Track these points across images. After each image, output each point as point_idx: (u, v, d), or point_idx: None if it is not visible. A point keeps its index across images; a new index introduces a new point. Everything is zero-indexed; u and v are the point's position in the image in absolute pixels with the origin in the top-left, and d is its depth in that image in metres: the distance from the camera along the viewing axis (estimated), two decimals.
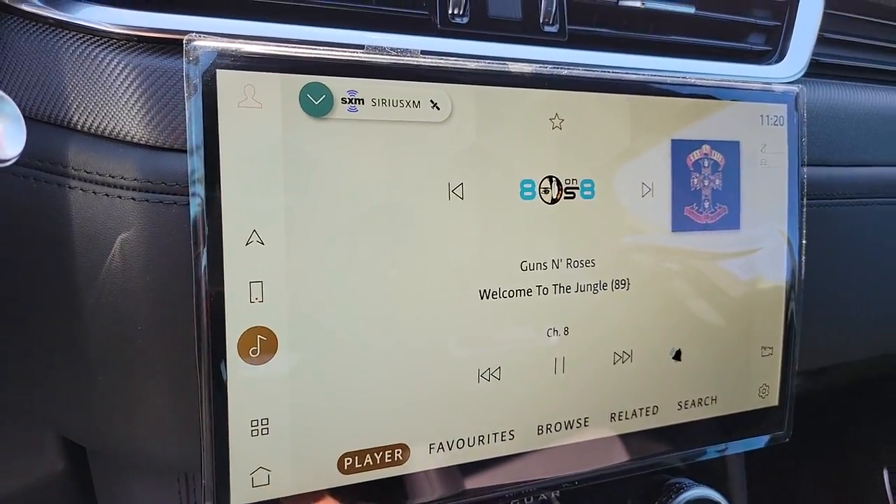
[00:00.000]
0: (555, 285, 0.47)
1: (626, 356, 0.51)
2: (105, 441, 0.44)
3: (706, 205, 0.53)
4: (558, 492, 0.57)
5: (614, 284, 0.49)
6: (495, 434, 0.48)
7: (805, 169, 0.57)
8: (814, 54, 0.64)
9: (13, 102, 0.33)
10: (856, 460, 1.49)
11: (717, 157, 0.53)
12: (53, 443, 0.51)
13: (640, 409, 0.53)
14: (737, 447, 0.58)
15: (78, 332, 0.41)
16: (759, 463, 0.71)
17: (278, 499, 0.42)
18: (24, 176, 0.41)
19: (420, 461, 0.46)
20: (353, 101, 0.41)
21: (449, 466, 0.47)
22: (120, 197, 0.40)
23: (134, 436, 0.43)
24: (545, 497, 0.57)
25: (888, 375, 1.35)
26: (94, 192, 0.40)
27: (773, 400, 0.58)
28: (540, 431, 0.49)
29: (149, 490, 0.47)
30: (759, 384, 0.58)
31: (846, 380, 1.13)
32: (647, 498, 0.61)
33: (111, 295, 0.40)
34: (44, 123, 0.41)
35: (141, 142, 0.40)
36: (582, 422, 0.50)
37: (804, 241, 0.57)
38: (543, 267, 0.47)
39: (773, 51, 0.62)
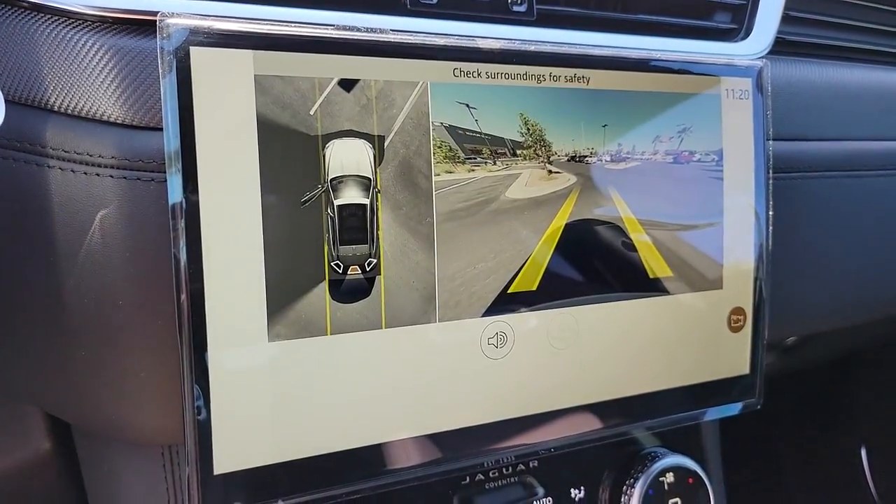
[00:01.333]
0: None
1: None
2: (89, 416, 0.45)
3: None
4: (535, 461, 0.59)
5: None
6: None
7: (771, 143, 0.59)
8: (779, 32, 0.65)
9: None
10: (833, 435, 1.52)
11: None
12: (38, 420, 0.51)
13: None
14: (710, 414, 0.60)
15: (60, 309, 0.42)
16: (736, 437, 0.73)
17: (260, 467, 0.43)
18: (2, 157, 0.41)
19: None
20: None
21: (425, 435, 0.48)
22: (98, 175, 0.41)
23: (117, 410, 0.44)
24: (522, 466, 0.58)
25: (863, 350, 1.38)
26: (73, 171, 0.41)
27: (745, 368, 0.60)
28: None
29: (134, 463, 0.48)
30: (731, 353, 0.59)
31: (821, 355, 1.15)
32: (624, 468, 0.63)
33: (92, 271, 0.41)
34: (21, 105, 0.42)
35: (117, 121, 0.41)
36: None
37: (771, 213, 0.59)
38: None
39: (738, 28, 0.64)
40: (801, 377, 1.56)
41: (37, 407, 0.51)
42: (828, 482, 1.60)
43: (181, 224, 0.39)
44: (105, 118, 0.41)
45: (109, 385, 0.43)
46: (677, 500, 0.61)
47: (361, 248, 0.44)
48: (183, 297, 0.40)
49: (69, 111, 0.41)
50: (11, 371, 0.46)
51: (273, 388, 0.43)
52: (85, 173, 0.41)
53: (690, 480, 0.62)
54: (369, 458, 0.46)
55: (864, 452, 1.51)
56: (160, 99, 0.40)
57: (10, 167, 0.41)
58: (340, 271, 0.44)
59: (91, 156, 0.41)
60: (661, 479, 0.61)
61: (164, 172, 0.39)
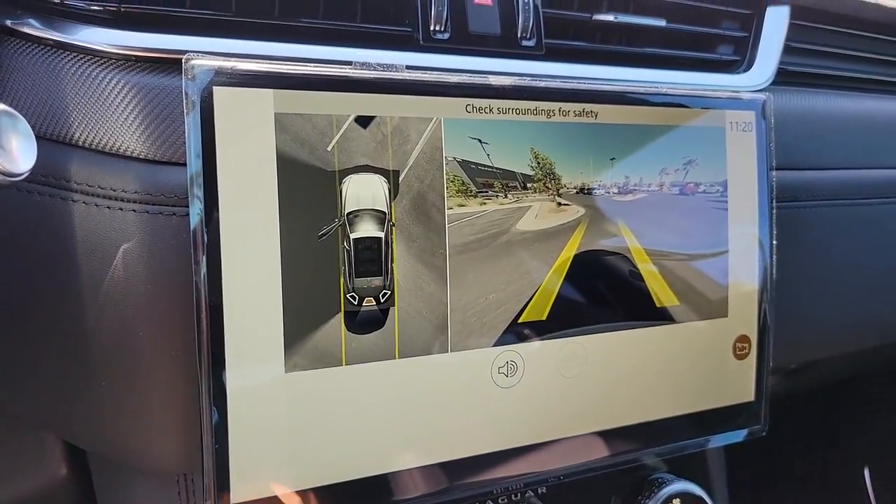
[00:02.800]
0: None
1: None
2: (107, 444, 0.46)
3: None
4: (544, 488, 0.60)
5: None
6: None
7: (774, 173, 0.60)
8: (780, 63, 0.67)
9: (25, 120, 0.35)
10: (837, 458, 1.52)
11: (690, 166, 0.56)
12: (55, 446, 0.52)
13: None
14: (716, 441, 0.60)
15: (81, 339, 0.43)
16: (741, 461, 0.73)
17: (276, 497, 0.44)
18: (28, 191, 0.42)
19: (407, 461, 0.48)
20: None
21: (436, 464, 0.49)
22: (121, 209, 0.42)
23: (135, 438, 0.45)
24: (531, 493, 0.59)
25: (866, 374, 1.38)
26: (97, 205, 0.42)
27: (749, 395, 0.61)
28: None
29: (149, 491, 0.49)
30: (736, 380, 0.60)
31: (825, 378, 1.16)
32: (632, 494, 0.63)
33: (113, 302, 0.42)
34: (47, 140, 0.43)
35: (140, 156, 0.42)
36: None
37: (775, 242, 0.60)
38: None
39: (741, 60, 0.65)
40: (804, 398, 1.57)
41: (54, 433, 0.52)
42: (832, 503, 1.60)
43: (202, 257, 0.40)
44: (129, 153, 0.42)
45: (128, 413, 0.44)
46: None
47: (376, 280, 0.45)
48: (203, 325, 0.41)
49: (94, 146, 0.43)
50: (31, 398, 0.47)
51: (289, 418, 0.44)
52: (108, 207, 0.42)
53: None
54: (383, 487, 0.47)
55: (867, 473, 1.52)
56: (183, 135, 0.41)
57: (34, 201, 0.42)
58: (356, 303, 0.45)
59: (115, 190, 0.42)
60: None
61: (186, 206, 0.40)
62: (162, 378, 0.43)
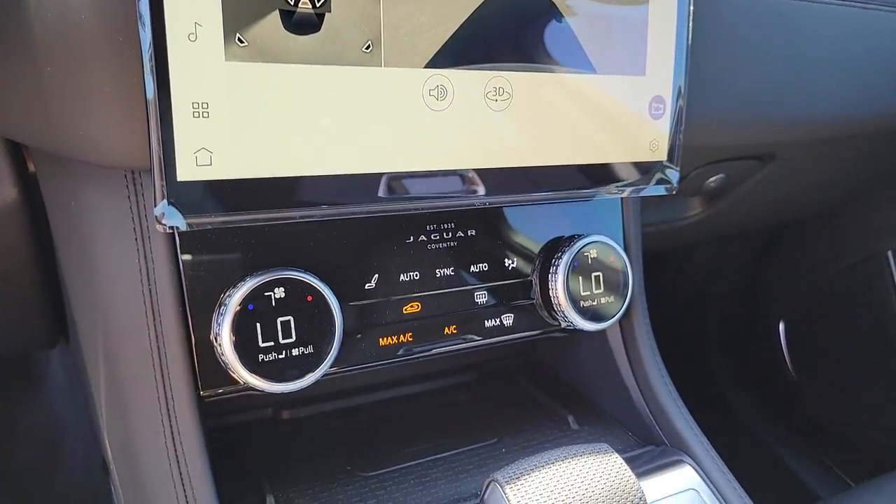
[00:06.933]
0: None
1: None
2: (51, 134, 0.48)
3: None
4: (474, 230, 0.65)
5: None
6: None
7: None
8: None
9: None
10: (755, 311, 1.62)
11: None
12: (3, 170, 0.54)
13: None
14: (632, 192, 0.66)
15: (24, 27, 0.45)
16: (666, 312, 0.78)
17: (219, 180, 0.48)
18: None
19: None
20: None
21: (369, 174, 0.53)
22: None
23: (83, 126, 0.47)
24: (461, 233, 0.64)
25: (785, 229, 1.47)
26: None
27: (663, 155, 0.66)
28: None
29: (99, 196, 0.52)
30: (650, 139, 0.65)
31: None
32: (550, 252, 0.69)
33: None
34: None
35: None
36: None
37: (692, 9, 0.64)
38: None
39: None
40: (727, 255, 1.67)
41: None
42: (748, 355, 1.73)
43: None
44: None
45: (74, 100, 0.47)
46: (599, 273, 0.68)
47: None
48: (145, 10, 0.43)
49: None
50: None
51: (230, 108, 0.47)
52: None
53: (611, 258, 0.69)
54: (315, 188, 0.51)
55: (781, 326, 1.64)
56: None
57: None
58: (292, 3, 0.48)
59: None
60: (585, 253, 0.67)
61: None
62: (105, 62, 0.46)
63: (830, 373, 1.49)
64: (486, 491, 0.51)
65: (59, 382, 1.24)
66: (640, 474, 0.63)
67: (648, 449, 0.73)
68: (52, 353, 1.24)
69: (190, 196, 0.47)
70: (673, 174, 0.67)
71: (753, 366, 1.71)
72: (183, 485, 0.54)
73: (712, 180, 0.98)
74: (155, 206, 0.46)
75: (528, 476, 0.50)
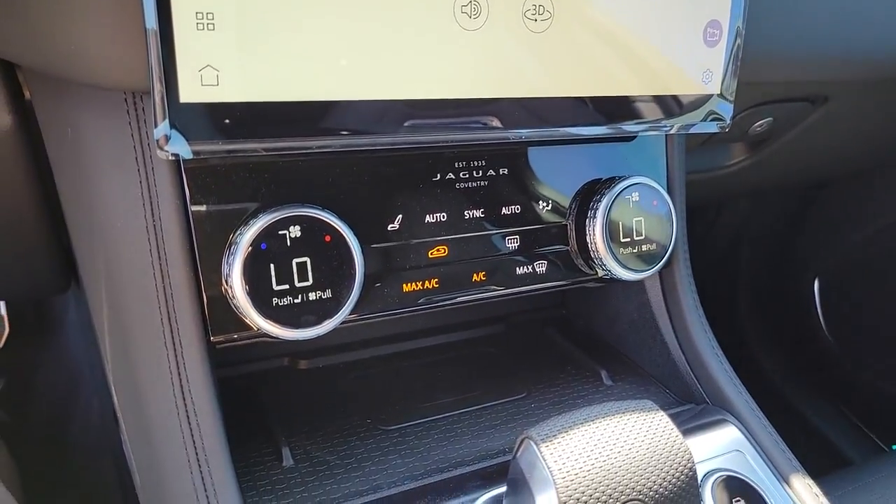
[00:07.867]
0: None
1: None
2: (39, 47, 0.43)
3: None
4: (506, 169, 0.59)
5: None
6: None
7: None
8: None
9: None
10: (789, 270, 1.57)
11: None
12: None
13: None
14: (681, 129, 0.60)
15: None
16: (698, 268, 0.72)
17: (227, 103, 0.43)
18: None
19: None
20: None
21: (395, 100, 0.47)
22: None
23: (70, 36, 0.42)
24: (493, 172, 0.59)
25: (821, 188, 1.39)
26: None
27: (716, 87, 0.60)
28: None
29: (98, 121, 0.47)
30: (703, 69, 0.59)
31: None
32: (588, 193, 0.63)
33: None
34: None
35: None
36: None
37: None
38: None
39: None
40: (761, 212, 1.60)
41: None
42: (779, 316, 1.67)
43: None
44: None
45: (62, 7, 0.41)
46: (641, 218, 0.63)
47: None
48: None
49: None
50: None
51: (239, 20, 0.42)
52: None
53: (655, 202, 0.64)
54: (334, 115, 0.46)
55: (816, 286, 1.58)
56: None
57: None
58: None
59: None
60: (626, 196, 0.62)
61: None
62: None
63: (866, 334, 1.43)
64: (518, 449, 0.47)
65: (76, 329, 1.22)
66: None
67: (688, 407, 0.68)
68: (68, 298, 1.22)
69: (194, 120, 0.42)
70: (726, 109, 0.61)
71: (785, 326, 1.66)
72: (193, 438, 0.50)
73: (759, 124, 0.91)
74: (155, 127, 0.41)
75: (565, 434, 0.45)
